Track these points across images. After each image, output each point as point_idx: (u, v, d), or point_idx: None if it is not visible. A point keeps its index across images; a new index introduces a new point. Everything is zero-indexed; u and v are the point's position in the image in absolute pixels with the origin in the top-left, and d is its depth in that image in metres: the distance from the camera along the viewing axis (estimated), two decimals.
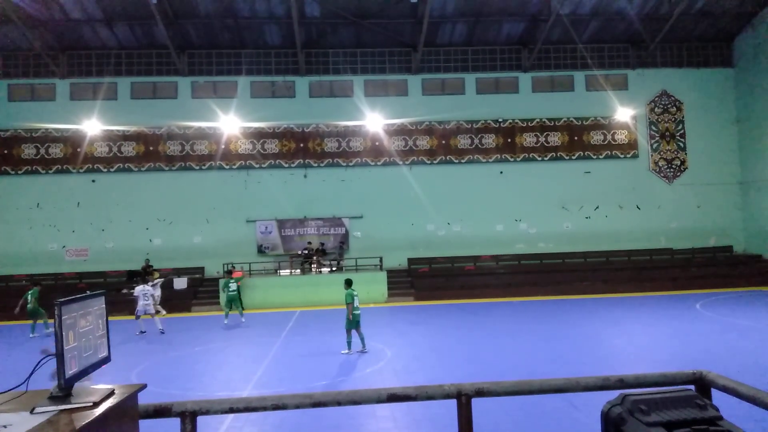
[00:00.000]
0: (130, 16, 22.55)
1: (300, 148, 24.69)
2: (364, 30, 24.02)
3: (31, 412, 2.07)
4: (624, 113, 25.09)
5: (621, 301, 19.47)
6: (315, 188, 24.59)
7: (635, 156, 25.59)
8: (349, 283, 12.30)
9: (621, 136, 25.56)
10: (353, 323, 11.89)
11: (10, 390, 2.34)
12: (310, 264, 22.88)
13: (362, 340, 12.01)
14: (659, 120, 25.83)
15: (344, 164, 24.75)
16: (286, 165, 24.64)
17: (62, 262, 23.51)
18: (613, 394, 2.78)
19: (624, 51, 25.82)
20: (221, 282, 19.00)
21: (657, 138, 25.77)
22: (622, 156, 25.55)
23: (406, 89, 25.15)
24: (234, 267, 20.80)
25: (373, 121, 24.25)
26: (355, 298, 11.98)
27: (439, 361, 10.98)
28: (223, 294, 18.43)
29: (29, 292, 16.62)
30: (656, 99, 25.83)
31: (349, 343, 11.95)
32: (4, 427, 1.90)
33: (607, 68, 25.65)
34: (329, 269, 22.98)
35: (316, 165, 24.70)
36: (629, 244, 24.86)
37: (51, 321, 16.90)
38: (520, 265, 24.27)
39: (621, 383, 3.10)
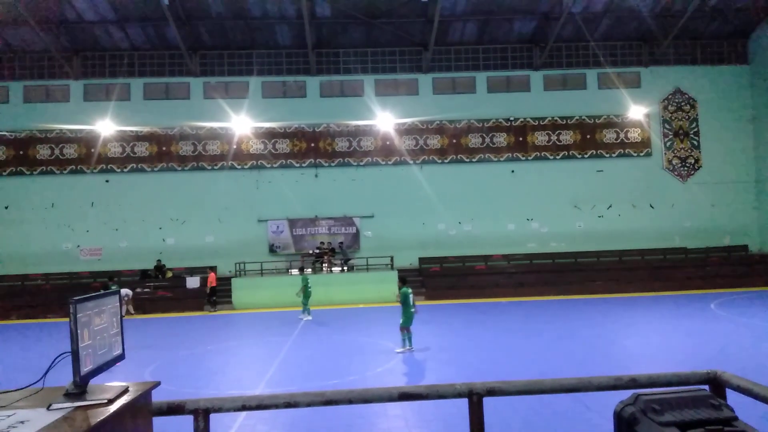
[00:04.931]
0: (143, 17, 22.74)
1: (311, 147, 24.75)
2: (374, 29, 24.02)
3: (48, 408, 2.11)
4: (637, 111, 24.85)
5: (634, 301, 19.30)
6: (326, 188, 24.63)
7: (648, 154, 25.34)
8: (404, 281, 12.23)
9: (634, 135, 25.32)
10: (409, 321, 11.80)
11: (28, 387, 2.38)
12: (322, 263, 22.95)
13: (409, 339, 11.88)
14: (673, 118, 25.55)
15: (355, 164, 24.77)
16: (297, 165, 24.71)
17: (77, 262, 23.77)
18: (626, 394, 2.76)
19: (637, 48, 25.58)
20: (302, 278, 17.90)
21: (670, 136, 25.50)
22: (635, 154, 25.31)
23: (416, 88, 25.11)
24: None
25: (384, 120, 24.24)
26: (410, 296, 11.90)
27: (450, 361, 10.96)
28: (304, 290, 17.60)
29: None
30: (670, 97, 25.55)
31: (407, 340, 11.77)
32: (22, 422, 1.93)
33: (619, 66, 25.41)
34: (340, 269, 23.03)
35: (327, 164, 24.74)
36: (642, 243, 24.63)
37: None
38: (531, 264, 24.14)
39: (634, 383, 3.07)
